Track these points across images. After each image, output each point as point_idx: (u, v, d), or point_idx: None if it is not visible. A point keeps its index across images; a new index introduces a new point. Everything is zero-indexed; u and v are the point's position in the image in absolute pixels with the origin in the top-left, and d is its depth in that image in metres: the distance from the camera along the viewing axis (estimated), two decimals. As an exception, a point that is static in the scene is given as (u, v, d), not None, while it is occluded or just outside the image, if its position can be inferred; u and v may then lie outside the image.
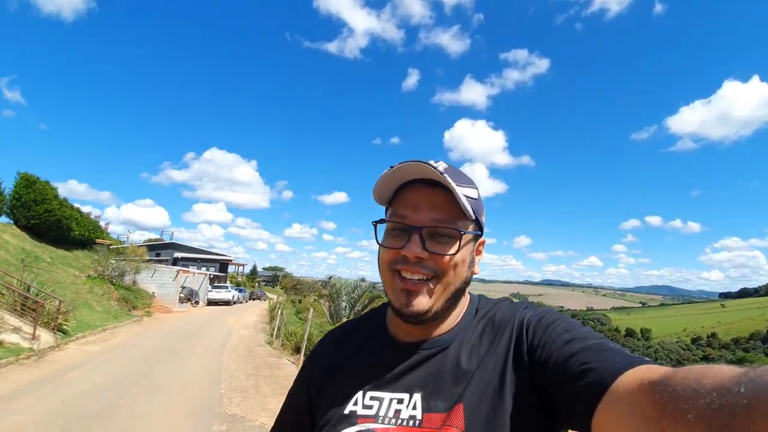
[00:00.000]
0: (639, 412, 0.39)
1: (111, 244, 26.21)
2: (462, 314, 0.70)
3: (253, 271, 70.94)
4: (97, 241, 25.10)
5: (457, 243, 0.64)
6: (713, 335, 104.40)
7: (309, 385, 0.73)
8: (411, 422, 0.60)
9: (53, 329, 10.18)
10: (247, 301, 39.40)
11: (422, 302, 0.62)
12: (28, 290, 10.73)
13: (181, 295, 26.06)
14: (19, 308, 9.78)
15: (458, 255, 0.64)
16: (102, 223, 33.23)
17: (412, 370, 0.64)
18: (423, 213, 0.63)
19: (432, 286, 0.63)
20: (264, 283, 70.60)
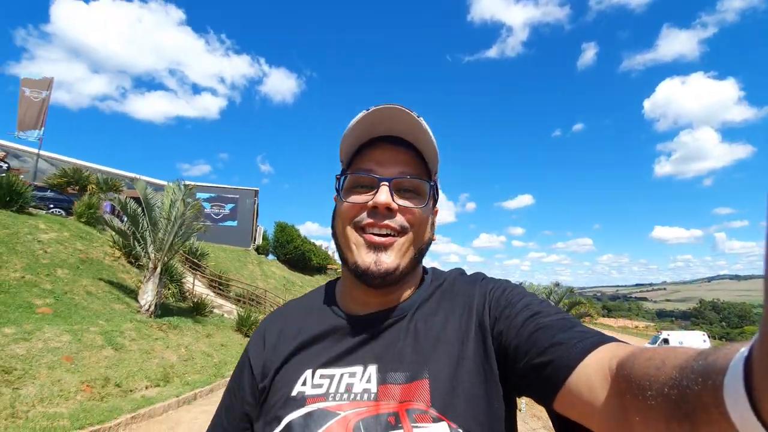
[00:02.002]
0: (605, 388, 0.41)
1: (338, 269, 32.61)
2: (416, 283, 0.67)
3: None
4: (329, 267, 32.03)
5: (426, 197, 0.62)
6: None
7: (252, 369, 0.65)
8: (365, 396, 0.55)
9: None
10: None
11: (391, 259, 0.59)
12: (289, 306, 14.69)
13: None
14: (285, 320, 13.57)
15: (425, 210, 0.62)
16: (330, 253, 42.14)
17: (366, 343, 0.60)
18: (390, 167, 0.61)
19: (400, 242, 0.60)
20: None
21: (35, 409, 4.46)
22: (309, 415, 0.54)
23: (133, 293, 9.99)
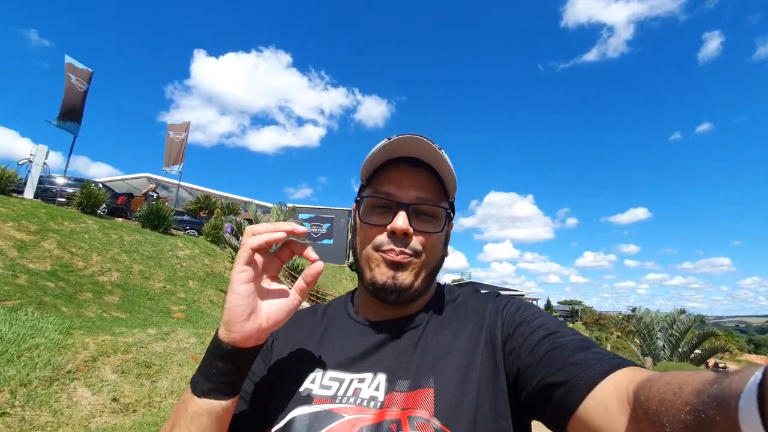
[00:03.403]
0: (622, 413, 0.40)
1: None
2: (430, 297, 0.68)
3: (548, 305, 68.26)
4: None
5: (442, 222, 0.65)
6: None
7: (267, 361, 0.67)
8: (372, 403, 0.55)
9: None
10: (547, 337, 38.59)
11: (407, 277, 0.62)
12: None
13: (484, 328, 28.59)
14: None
15: (441, 234, 0.65)
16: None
17: (377, 350, 0.62)
18: (409, 191, 0.63)
19: (416, 263, 0.62)
20: (562, 319, 66.24)
21: (166, 400, 5.31)
22: (315, 414, 0.56)
23: (245, 304, 11.27)
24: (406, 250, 0.62)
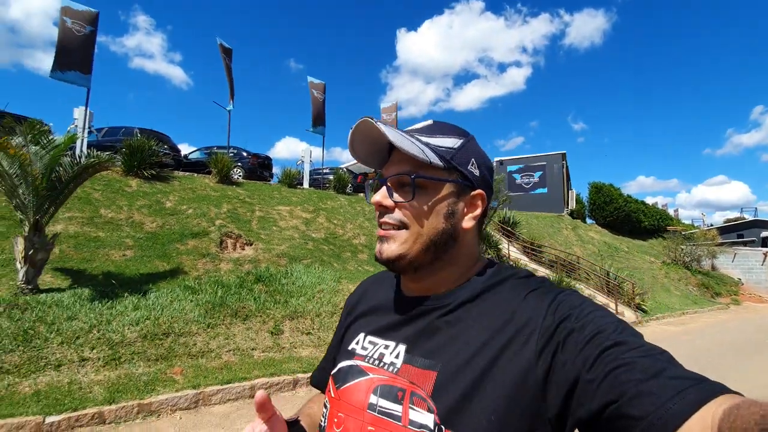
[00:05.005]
0: None
1: (681, 230, 26.18)
2: (467, 278, 0.66)
3: None
4: (668, 228, 26.18)
5: (424, 190, 0.63)
6: None
7: (342, 322, 0.81)
8: (390, 368, 0.62)
9: (634, 307, 12.20)
10: None
11: (392, 248, 0.63)
12: (608, 275, 13.59)
13: (782, 282, 20.88)
14: (604, 288, 12.72)
15: (420, 202, 0.63)
16: (670, 210, 34.24)
17: (405, 323, 0.66)
18: (391, 167, 0.66)
19: (401, 235, 0.63)
20: None
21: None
22: (350, 367, 0.67)
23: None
24: (389, 220, 0.64)
